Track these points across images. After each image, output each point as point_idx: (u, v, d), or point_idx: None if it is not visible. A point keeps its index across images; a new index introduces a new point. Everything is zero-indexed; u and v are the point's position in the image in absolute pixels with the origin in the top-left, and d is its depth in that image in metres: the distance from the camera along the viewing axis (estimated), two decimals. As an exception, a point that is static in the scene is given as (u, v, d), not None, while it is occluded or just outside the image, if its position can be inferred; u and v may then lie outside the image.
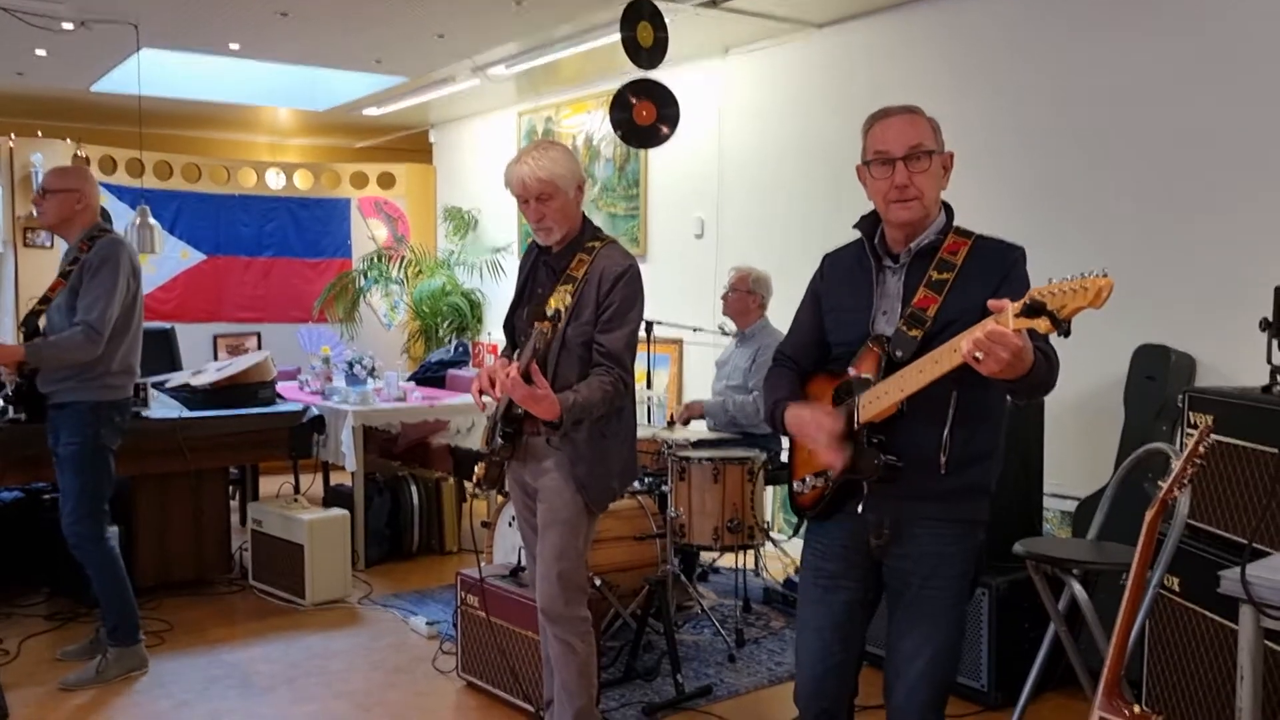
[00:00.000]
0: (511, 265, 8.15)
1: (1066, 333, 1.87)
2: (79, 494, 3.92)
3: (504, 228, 8.29)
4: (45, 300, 4.03)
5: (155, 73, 7.14)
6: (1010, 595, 3.77)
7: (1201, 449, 2.15)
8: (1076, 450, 4.46)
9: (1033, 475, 4.15)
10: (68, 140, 7.63)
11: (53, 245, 7.52)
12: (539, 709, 3.56)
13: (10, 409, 4.14)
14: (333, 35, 5.81)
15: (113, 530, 4.21)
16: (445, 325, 8.54)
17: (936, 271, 2.34)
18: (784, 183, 6.00)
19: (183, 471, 5.00)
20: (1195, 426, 3.11)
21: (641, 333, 3.27)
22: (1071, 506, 4.41)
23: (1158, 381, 4.17)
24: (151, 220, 6.13)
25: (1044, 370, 2.06)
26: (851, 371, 2.38)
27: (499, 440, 3.11)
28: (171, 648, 4.39)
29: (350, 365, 6.16)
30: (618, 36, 5.07)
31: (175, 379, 5.55)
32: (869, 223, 2.49)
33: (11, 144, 7.44)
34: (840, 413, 2.35)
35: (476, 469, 3.27)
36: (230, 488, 6.09)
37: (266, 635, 4.58)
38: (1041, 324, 1.84)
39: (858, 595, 2.45)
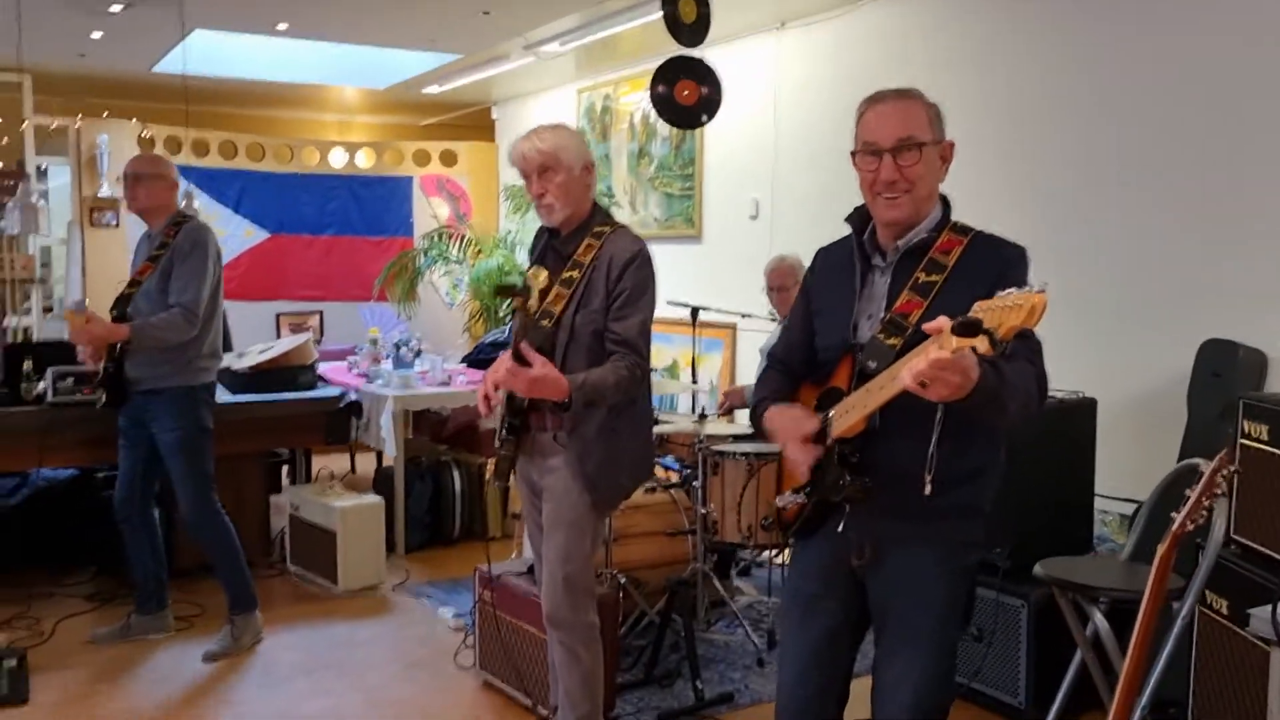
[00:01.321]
0: (568, 245, 8.04)
1: (1004, 353, 1.68)
2: (194, 477, 4.06)
3: (563, 207, 8.17)
4: (135, 283, 4.09)
5: (217, 53, 7.18)
6: (1049, 608, 3.52)
7: (1220, 480, 1.92)
8: (1136, 451, 4.18)
9: (1083, 478, 3.88)
10: (133, 120, 7.73)
11: (119, 224, 7.65)
12: (541, 712, 3.46)
13: (80, 390, 4.38)
14: (379, 13, 5.74)
15: (155, 512, 4.34)
16: (505, 305, 8.47)
17: (925, 273, 2.14)
18: (840, 163, 5.71)
19: (220, 455, 5.01)
20: (1249, 437, 2.85)
21: (677, 314, 3.10)
22: (1131, 510, 4.14)
23: (1224, 379, 3.86)
24: (196, 203, 6.15)
25: (993, 384, 1.85)
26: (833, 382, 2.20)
27: (504, 434, 3.00)
28: (200, 631, 4.39)
29: (398, 347, 6.12)
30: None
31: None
32: (859, 217, 2.30)
33: (78, 125, 7.55)
34: (818, 422, 2.18)
35: (488, 463, 3.17)
36: (285, 468, 6.15)
37: (294, 622, 4.56)
38: (980, 343, 1.63)
39: (839, 619, 2.28)
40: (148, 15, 5.63)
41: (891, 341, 2.09)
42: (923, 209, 2.19)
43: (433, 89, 8.09)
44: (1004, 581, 3.55)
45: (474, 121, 9.48)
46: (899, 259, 2.20)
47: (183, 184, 4.66)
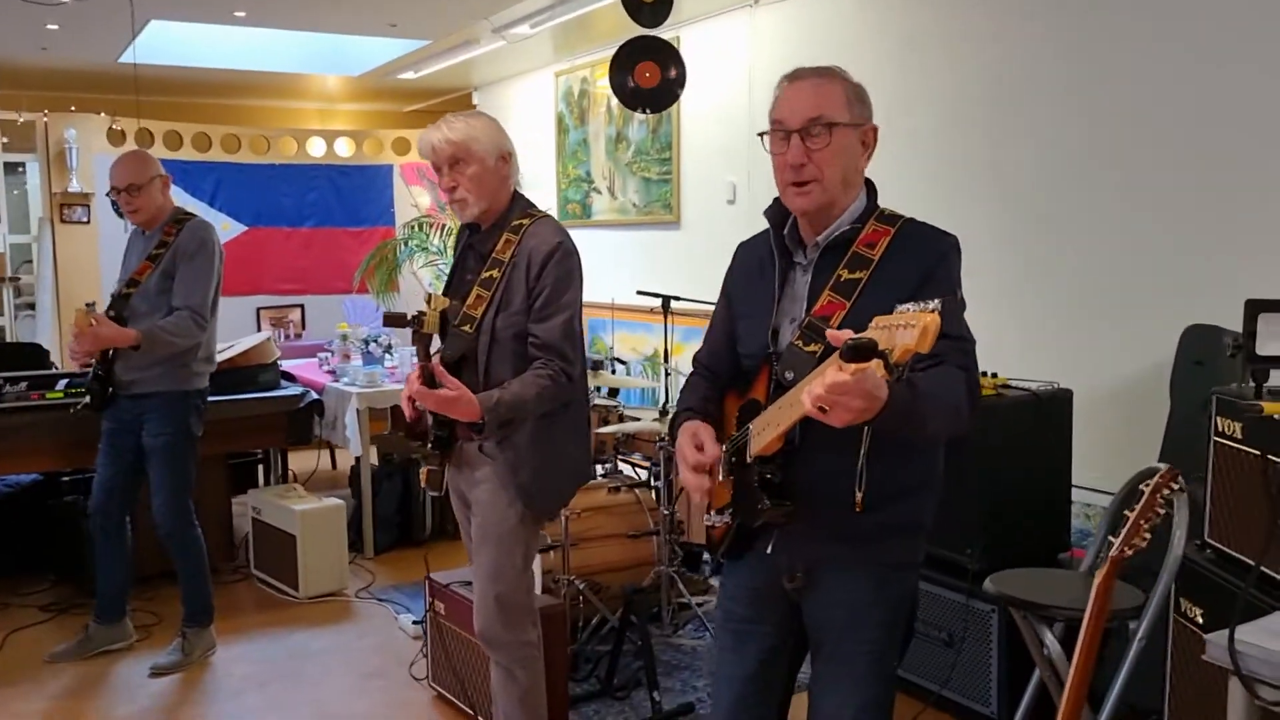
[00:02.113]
0: (549, 233, 7.86)
1: (900, 377, 1.51)
2: (171, 485, 3.95)
3: (543, 194, 7.99)
4: (133, 283, 3.94)
5: (187, 42, 7.01)
6: (1022, 613, 3.36)
7: (1159, 502, 1.73)
8: (1116, 440, 3.98)
9: (1059, 473, 3.70)
10: (101, 114, 7.56)
11: (90, 221, 7.49)
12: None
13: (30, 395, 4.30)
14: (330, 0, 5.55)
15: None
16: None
17: (848, 270, 1.96)
18: (816, 144, 5.55)
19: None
20: (1223, 435, 2.66)
21: (655, 304, 2.91)
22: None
23: (1207, 367, 3.66)
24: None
25: (905, 402, 1.66)
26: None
27: (430, 446, 2.83)
28: (154, 644, 4.26)
29: (366, 343, 5.97)
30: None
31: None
32: (778, 210, 2.10)
33: (45, 119, 7.40)
34: (726, 444, 2.02)
35: (420, 474, 3.02)
36: (260, 467, 6.01)
37: (251, 631, 4.43)
38: (875, 367, 1.46)
39: (773, 642, 2.12)
40: (98, 6, 5.45)
41: (811, 348, 1.91)
42: (839, 199, 2.01)
43: (409, 75, 7.90)
44: (974, 585, 3.38)
45: (456, 107, 9.28)
46: (819, 255, 2.02)
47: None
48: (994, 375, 3.66)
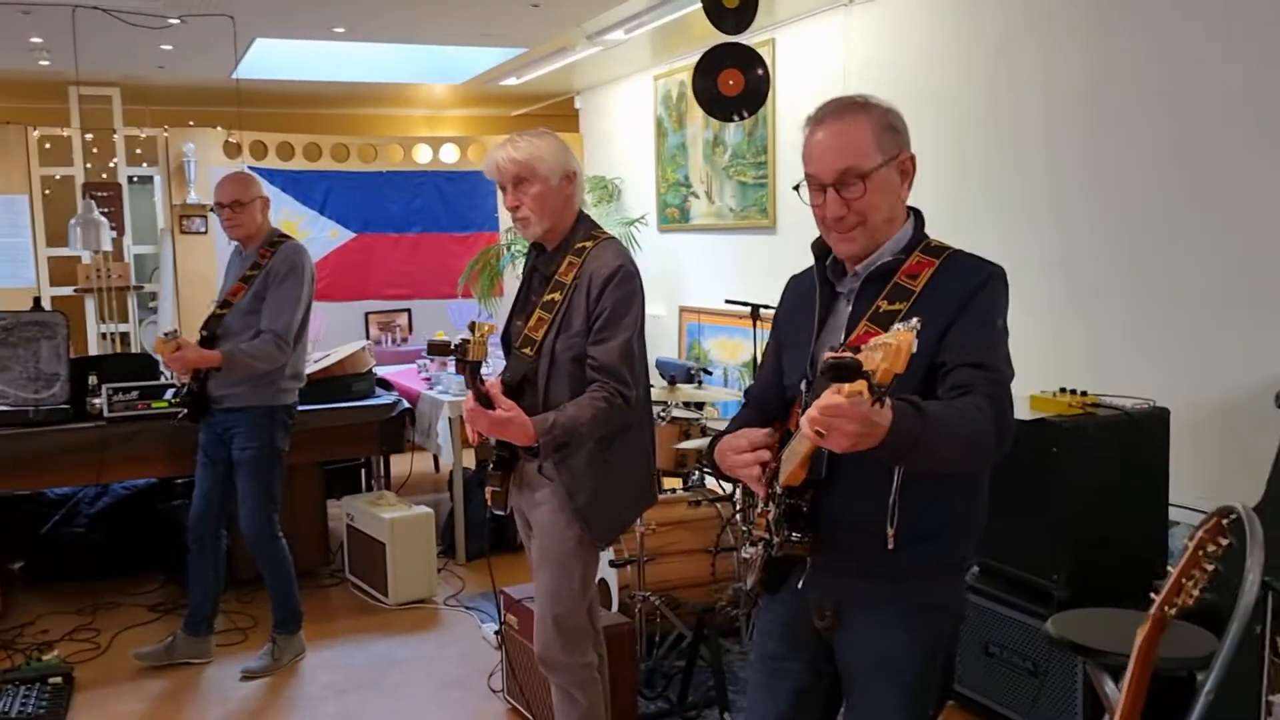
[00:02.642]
0: (646, 238, 7.85)
1: (879, 400, 1.45)
2: (258, 495, 4.07)
3: (644, 198, 7.97)
4: (226, 304, 4.11)
5: (297, 56, 7.23)
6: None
7: (1203, 556, 1.60)
8: (1221, 461, 3.76)
9: (1154, 495, 3.50)
10: (218, 128, 7.85)
11: (207, 231, 7.78)
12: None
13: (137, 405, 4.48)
14: (427, 11, 5.63)
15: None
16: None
17: (887, 300, 1.89)
18: (917, 148, 5.39)
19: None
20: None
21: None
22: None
23: (1321, 383, 3.43)
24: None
25: (911, 430, 1.58)
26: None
27: (491, 466, 2.85)
28: (248, 647, 4.40)
29: (462, 350, 6.04)
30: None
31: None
32: (822, 243, 2.05)
33: (166, 134, 7.71)
34: (763, 475, 1.95)
35: (485, 492, 3.03)
36: (362, 473, 6.16)
37: (340, 637, 4.53)
38: (858, 389, 1.41)
39: (806, 681, 2.05)
40: (205, 26, 5.65)
41: None
42: (882, 235, 1.95)
43: (511, 81, 7.97)
44: (1060, 613, 3.22)
45: (559, 111, 9.35)
46: (860, 285, 1.96)
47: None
48: (1082, 393, 3.49)
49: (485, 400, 2.52)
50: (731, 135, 6.81)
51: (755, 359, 5.45)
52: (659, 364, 6.18)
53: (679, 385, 4.28)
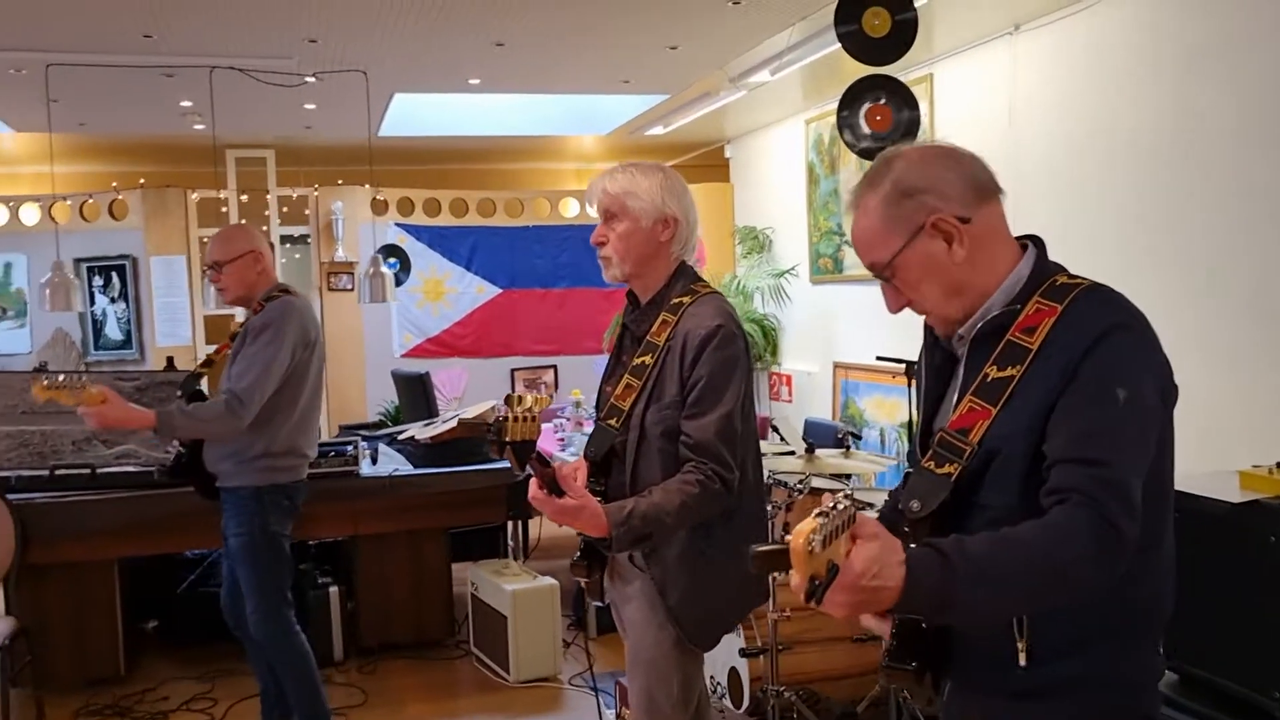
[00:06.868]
0: (797, 290, 7.43)
1: (814, 596, 1.21)
2: (259, 588, 3.62)
3: (795, 248, 7.57)
4: (209, 363, 3.88)
5: (440, 112, 7.20)
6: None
7: None
8: None
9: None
10: (366, 186, 7.89)
11: (353, 288, 7.80)
12: None
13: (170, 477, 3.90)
14: (564, 60, 5.46)
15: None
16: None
17: (998, 366, 1.50)
18: (1086, 182, 4.84)
19: (402, 530, 4.84)
20: None
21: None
22: None
23: None
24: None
25: (932, 586, 1.28)
26: None
27: (577, 556, 2.49)
28: (358, 723, 4.17)
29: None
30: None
31: (408, 430, 5.40)
32: None
33: (316, 194, 7.79)
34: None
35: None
36: (499, 535, 5.92)
37: (452, 718, 4.24)
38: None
39: None
40: (343, 86, 5.63)
41: (945, 470, 1.49)
42: (972, 302, 1.56)
43: (657, 130, 7.75)
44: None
45: (710, 161, 9.08)
46: (969, 349, 1.59)
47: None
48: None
49: (553, 484, 2.16)
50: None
51: (912, 420, 4.95)
52: (807, 424, 5.74)
53: (818, 454, 3.83)
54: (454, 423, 5.06)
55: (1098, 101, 4.73)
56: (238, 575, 3.68)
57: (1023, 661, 1.47)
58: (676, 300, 2.41)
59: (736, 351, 2.33)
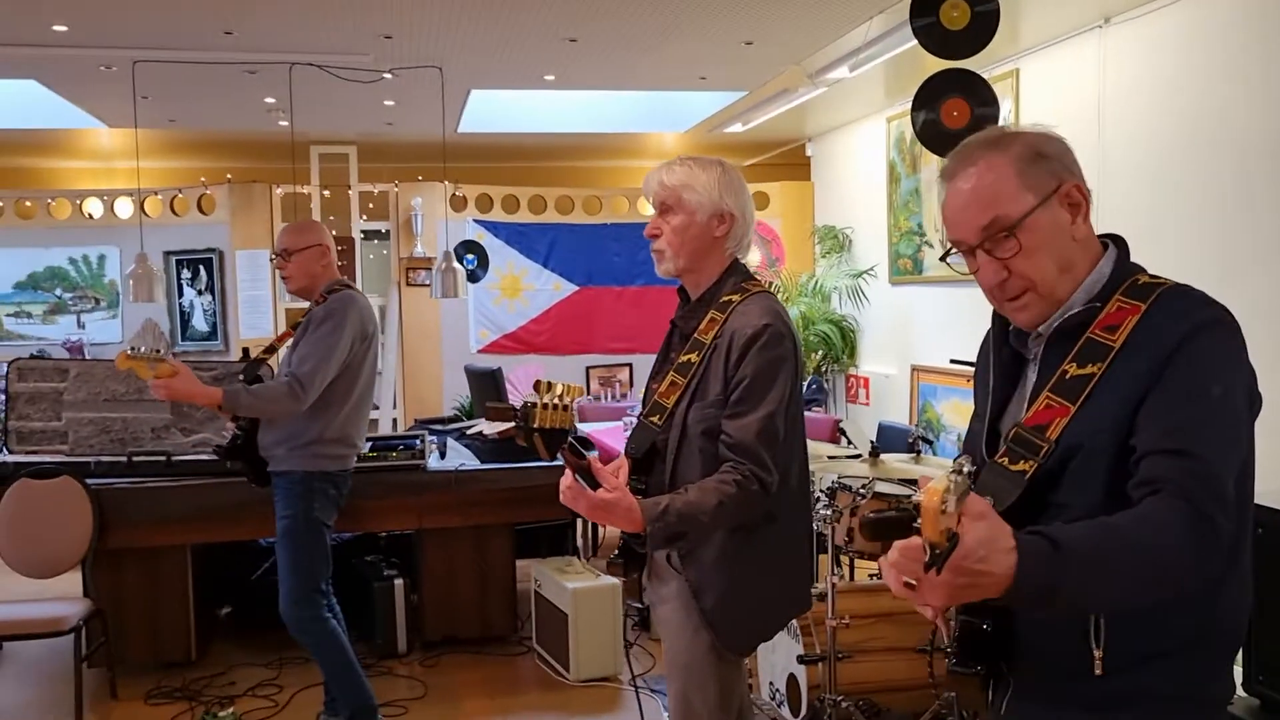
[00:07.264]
0: (876, 291, 7.28)
1: (934, 566, 1.13)
2: (294, 572, 3.70)
3: (875, 249, 7.42)
4: (270, 350, 3.94)
5: (519, 109, 7.23)
6: None
7: None
8: None
9: None
10: (445, 183, 7.95)
11: (432, 284, 7.86)
12: None
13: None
14: (640, 56, 5.41)
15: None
16: (817, 356, 7.81)
17: (1076, 364, 1.46)
18: (1178, 178, 4.63)
19: (467, 525, 4.84)
20: None
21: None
22: None
23: None
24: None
25: (1048, 576, 1.21)
26: None
27: (615, 555, 2.44)
28: (413, 717, 4.16)
29: (667, 408, 5.70)
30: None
31: (476, 425, 5.41)
32: None
33: (396, 189, 7.88)
34: None
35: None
36: (567, 533, 5.91)
37: (516, 714, 4.22)
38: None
39: None
40: (420, 83, 5.67)
41: (1019, 468, 1.44)
42: (1063, 288, 1.51)
43: (736, 128, 7.67)
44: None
45: (790, 160, 8.97)
46: (1044, 345, 1.53)
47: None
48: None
49: (587, 475, 2.12)
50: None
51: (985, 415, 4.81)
52: (881, 428, 5.61)
53: (883, 458, 3.72)
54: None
55: (1197, 98, 4.53)
56: (278, 558, 3.74)
57: (1098, 670, 1.41)
58: (726, 298, 2.36)
59: (784, 352, 2.26)
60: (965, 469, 1.18)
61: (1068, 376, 1.45)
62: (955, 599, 1.21)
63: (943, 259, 1.64)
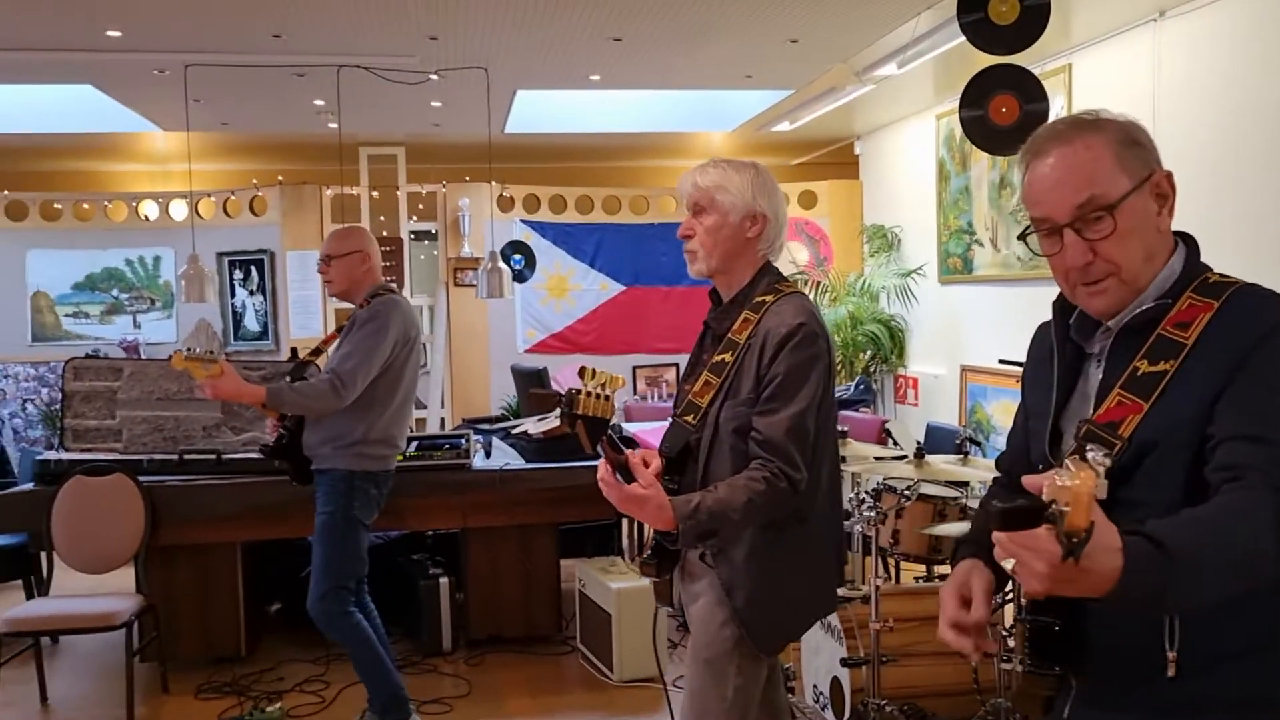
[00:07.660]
0: (925, 291, 7.20)
1: (1072, 555, 1.11)
2: (326, 567, 3.75)
3: (924, 248, 7.34)
4: (317, 352, 4.00)
5: (565, 109, 7.24)
6: None
7: None
8: None
9: None
10: (492, 183, 7.99)
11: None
12: None
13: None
14: (685, 55, 5.40)
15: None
16: (865, 356, 7.75)
17: (1148, 360, 1.44)
18: (1233, 174, 4.53)
19: (511, 525, 4.86)
20: None
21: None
22: None
23: None
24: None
25: (1155, 579, 1.20)
26: None
27: (648, 554, 2.43)
28: (458, 715, 4.18)
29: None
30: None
31: (521, 425, 5.43)
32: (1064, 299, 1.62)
33: (444, 190, 7.94)
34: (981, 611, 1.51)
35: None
36: (614, 532, 5.91)
37: (557, 713, 4.23)
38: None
39: None
40: (467, 84, 5.70)
41: None
42: (1142, 279, 1.49)
43: (784, 126, 7.62)
44: None
45: (839, 159, 8.91)
46: (1112, 342, 1.52)
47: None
48: None
49: (624, 470, 2.11)
50: (1018, 175, 6.11)
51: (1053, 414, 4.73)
52: (929, 429, 5.55)
53: (929, 459, 3.68)
54: (553, 421, 5.07)
55: (1253, 91, 4.42)
56: (313, 553, 3.79)
57: (1172, 672, 1.39)
58: (760, 298, 2.35)
59: (817, 351, 2.25)
60: (1102, 459, 1.16)
61: (1139, 373, 1.44)
62: (1056, 589, 1.18)
63: (1021, 237, 1.62)
